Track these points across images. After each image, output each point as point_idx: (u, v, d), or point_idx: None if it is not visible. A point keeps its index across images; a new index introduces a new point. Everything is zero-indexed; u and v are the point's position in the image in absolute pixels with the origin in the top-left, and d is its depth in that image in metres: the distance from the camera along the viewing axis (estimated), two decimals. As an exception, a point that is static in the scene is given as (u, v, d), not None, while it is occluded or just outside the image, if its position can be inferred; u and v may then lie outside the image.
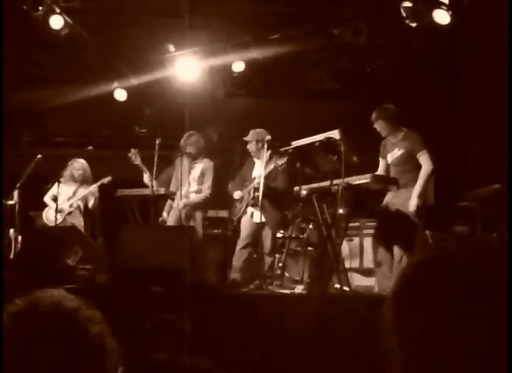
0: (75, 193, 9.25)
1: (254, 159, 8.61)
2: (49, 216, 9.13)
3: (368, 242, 8.22)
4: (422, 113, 9.42)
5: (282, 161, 7.91)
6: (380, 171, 7.54)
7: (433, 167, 7.19)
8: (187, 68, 10.33)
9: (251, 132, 8.58)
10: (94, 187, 9.23)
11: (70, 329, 1.71)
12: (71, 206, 9.13)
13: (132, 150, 9.04)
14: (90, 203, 9.25)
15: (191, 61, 10.24)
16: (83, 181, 9.34)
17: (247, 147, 8.61)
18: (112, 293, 6.16)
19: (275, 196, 8.27)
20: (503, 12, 7.98)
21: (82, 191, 9.25)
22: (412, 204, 7.08)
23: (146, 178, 8.89)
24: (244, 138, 8.61)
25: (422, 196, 7.15)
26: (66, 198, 9.20)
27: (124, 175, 9.87)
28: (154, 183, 8.85)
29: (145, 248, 6.53)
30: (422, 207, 7.15)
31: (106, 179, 9.28)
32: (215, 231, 9.52)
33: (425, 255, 1.65)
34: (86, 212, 9.32)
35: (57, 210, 8.81)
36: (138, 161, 8.98)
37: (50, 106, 10.85)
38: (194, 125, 10.23)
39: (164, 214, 8.82)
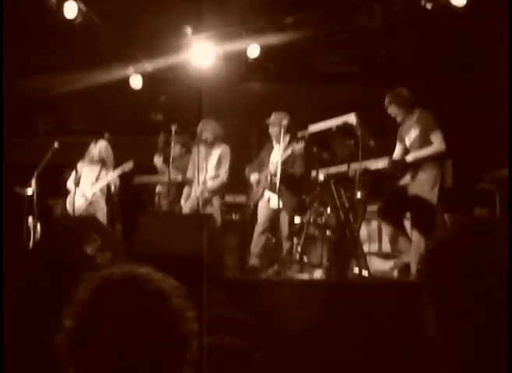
0: (97, 178, 9.24)
1: (274, 143, 8.55)
2: (71, 202, 9.11)
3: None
4: (438, 94, 9.34)
5: (299, 146, 7.88)
6: (397, 155, 7.49)
7: (444, 147, 7.15)
8: (202, 53, 10.30)
9: (274, 115, 8.49)
10: (116, 175, 9.23)
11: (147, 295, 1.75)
12: (94, 194, 9.12)
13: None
14: (112, 189, 9.24)
15: (206, 46, 10.21)
16: (104, 163, 9.33)
17: (269, 130, 8.52)
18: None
19: (293, 182, 8.25)
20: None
21: (104, 175, 9.24)
22: (407, 158, 7.10)
23: (156, 158, 8.94)
24: (267, 121, 8.51)
25: (397, 164, 7.14)
26: (89, 183, 9.20)
27: (142, 161, 9.91)
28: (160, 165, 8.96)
29: (163, 236, 6.52)
30: (439, 190, 7.13)
31: (127, 166, 9.23)
32: (233, 216, 9.52)
33: (446, 231, 1.68)
34: (108, 198, 9.33)
35: (74, 195, 8.85)
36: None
37: (66, 94, 10.86)
38: (210, 110, 10.23)
39: (182, 201, 8.82)
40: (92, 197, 9.13)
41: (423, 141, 7.25)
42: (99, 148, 9.32)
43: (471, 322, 1.54)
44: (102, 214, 8.99)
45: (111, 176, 9.19)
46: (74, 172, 9.14)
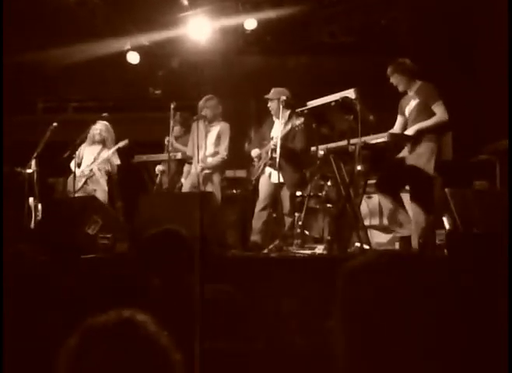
0: (96, 157, 9.24)
1: (274, 118, 8.51)
2: (71, 182, 9.08)
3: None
4: (437, 65, 9.27)
5: (299, 121, 7.86)
6: (397, 128, 7.46)
7: (447, 118, 7.12)
8: (198, 28, 10.24)
9: (273, 90, 8.44)
10: (112, 151, 9.21)
11: (141, 341, 1.80)
12: (91, 171, 9.11)
13: None
14: (109, 167, 9.23)
15: (203, 20, 10.15)
16: (105, 143, 9.33)
17: (268, 105, 8.46)
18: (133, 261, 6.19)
19: (293, 157, 8.24)
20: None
21: (103, 155, 9.24)
22: (409, 131, 7.10)
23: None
24: (266, 96, 8.45)
25: (396, 138, 7.10)
26: (89, 162, 9.20)
27: (142, 137, 9.89)
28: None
29: (164, 215, 6.53)
30: (436, 162, 7.12)
31: (122, 143, 9.26)
32: (234, 191, 9.53)
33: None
34: (108, 175, 9.32)
35: (75, 177, 8.84)
36: None
37: (63, 71, 10.82)
38: (208, 84, 10.18)
39: (182, 179, 8.81)
40: (91, 175, 9.10)
41: (423, 111, 7.22)
42: (100, 128, 9.30)
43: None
44: (102, 193, 8.99)
45: (107, 154, 9.17)
46: (76, 154, 9.12)
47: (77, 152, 9.14)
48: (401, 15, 10.07)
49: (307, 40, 10.79)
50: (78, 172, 9.03)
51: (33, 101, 12.03)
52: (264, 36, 10.63)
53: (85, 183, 9.08)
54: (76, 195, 8.72)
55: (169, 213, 6.55)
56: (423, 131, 7.13)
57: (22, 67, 10.54)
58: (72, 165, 9.12)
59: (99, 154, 9.25)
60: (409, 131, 7.19)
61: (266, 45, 10.83)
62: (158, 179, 9.35)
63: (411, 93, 7.40)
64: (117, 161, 9.25)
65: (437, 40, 9.94)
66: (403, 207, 7.24)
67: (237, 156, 9.04)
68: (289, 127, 8.05)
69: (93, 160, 9.20)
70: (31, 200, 8.95)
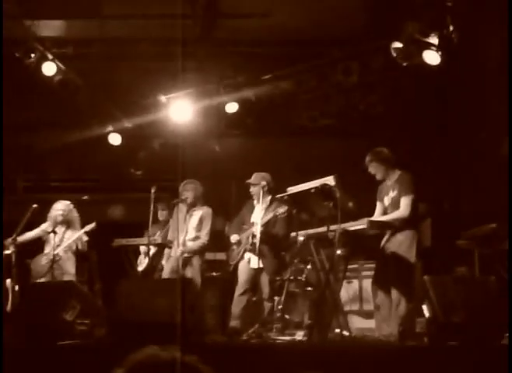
0: (61, 239, 9.00)
1: (255, 202, 8.52)
2: (36, 266, 8.93)
3: (367, 284, 8.19)
4: (414, 150, 9.42)
5: (283, 209, 7.91)
6: (377, 214, 7.50)
7: (407, 214, 7.15)
8: (180, 110, 10.38)
9: (255, 175, 8.48)
10: (79, 235, 8.97)
11: None
12: (56, 255, 8.87)
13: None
14: (79, 246, 9.05)
15: (185, 103, 10.28)
16: (68, 223, 9.11)
17: (250, 190, 8.47)
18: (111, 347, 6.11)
19: (274, 243, 8.26)
20: (491, 53, 8.04)
21: (69, 237, 9.00)
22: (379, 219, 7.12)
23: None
24: (248, 181, 8.47)
25: (375, 225, 7.14)
26: (55, 245, 8.83)
27: (123, 218, 9.86)
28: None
29: (143, 302, 6.48)
30: (418, 249, 7.16)
31: (89, 227, 8.98)
32: (214, 274, 9.49)
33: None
34: (80, 255, 9.15)
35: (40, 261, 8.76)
36: None
37: (45, 150, 10.86)
38: (189, 166, 10.24)
39: (163, 262, 8.75)
40: (57, 260, 8.84)
41: (399, 203, 7.29)
42: (62, 209, 9.13)
43: None
44: (70, 277, 8.81)
45: (75, 237, 8.98)
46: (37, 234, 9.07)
47: (35, 231, 9.07)
48: (378, 100, 10.25)
49: (288, 124, 10.94)
50: (43, 257, 8.90)
51: (13, 179, 11.98)
52: (245, 118, 10.76)
53: (52, 266, 8.72)
54: (42, 280, 8.60)
55: (148, 300, 6.50)
56: (381, 222, 7.20)
57: (3, 145, 10.55)
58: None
59: (63, 235, 9.06)
60: (379, 219, 7.26)
61: (247, 128, 10.96)
62: (139, 260, 9.31)
63: (389, 182, 7.46)
64: (84, 238, 9.07)
65: (413, 124, 10.12)
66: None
67: (217, 238, 9.01)
68: (271, 214, 8.09)
69: (59, 242, 8.96)
70: (8, 281, 8.82)
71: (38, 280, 8.70)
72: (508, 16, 7.77)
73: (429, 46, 8.38)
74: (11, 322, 7.13)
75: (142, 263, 9.44)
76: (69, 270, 8.95)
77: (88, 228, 9.00)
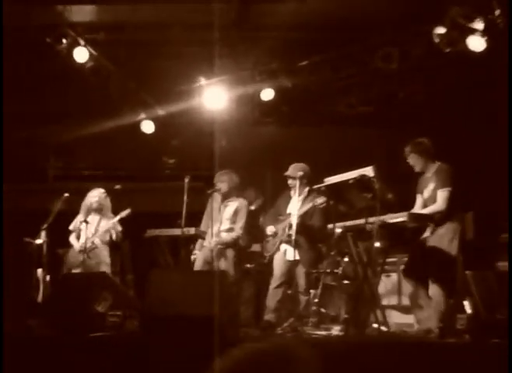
0: (96, 228, 8.96)
1: (292, 193, 8.30)
2: (71, 257, 8.86)
3: (406, 279, 7.98)
4: (456, 141, 9.13)
5: (321, 200, 7.70)
6: (417, 207, 7.26)
7: (444, 207, 6.92)
8: (214, 97, 10.20)
9: (293, 167, 8.27)
10: (114, 222, 8.94)
11: None
12: (93, 243, 8.86)
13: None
14: (114, 236, 8.98)
15: (219, 90, 10.10)
16: (102, 212, 9.07)
17: (288, 182, 8.27)
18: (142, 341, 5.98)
19: (310, 234, 8.06)
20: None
21: (104, 225, 8.97)
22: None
23: None
24: (286, 174, 8.27)
25: (415, 218, 6.89)
26: (90, 234, 8.86)
27: (155, 208, 9.71)
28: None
29: (176, 294, 6.31)
30: (460, 244, 6.92)
31: (125, 212, 8.95)
32: (249, 265, 9.31)
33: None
34: (113, 245, 9.07)
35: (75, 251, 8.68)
36: None
37: (77, 139, 10.74)
38: (223, 155, 10.05)
39: (196, 252, 8.59)
40: (93, 248, 8.84)
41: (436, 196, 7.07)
42: (98, 196, 9.11)
43: None
44: (106, 266, 8.73)
45: (109, 225, 8.95)
46: (75, 225, 8.98)
47: (73, 224, 8.99)
48: (419, 88, 9.97)
49: (324, 112, 10.71)
50: (77, 245, 8.83)
51: (45, 168, 11.90)
52: (281, 106, 10.54)
53: (88, 257, 8.69)
54: (77, 271, 8.53)
55: (180, 291, 6.33)
56: (420, 215, 6.97)
57: (35, 134, 10.47)
58: (72, 239, 8.93)
59: (98, 224, 9.02)
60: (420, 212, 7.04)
61: (282, 116, 10.75)
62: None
63: (428, 174, 7.22)
64: (119, 227, 8.99)
65: (456, 113, 9.83)
66: (426, 292, 6.99)
67: (252, 230, 8.83)
68: (309, 204, 7.89)
69: (94, 231, 8.95)
70: (39, 271, 8.74)
71: (72, 271, 8.62)
72: (508, 16, 7.56)
73: (473, 31, 8.13)
74: (42, 313, 7.08)
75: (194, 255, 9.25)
76: (105, 259, 8.88)
77: (124, 213, 8.96)
